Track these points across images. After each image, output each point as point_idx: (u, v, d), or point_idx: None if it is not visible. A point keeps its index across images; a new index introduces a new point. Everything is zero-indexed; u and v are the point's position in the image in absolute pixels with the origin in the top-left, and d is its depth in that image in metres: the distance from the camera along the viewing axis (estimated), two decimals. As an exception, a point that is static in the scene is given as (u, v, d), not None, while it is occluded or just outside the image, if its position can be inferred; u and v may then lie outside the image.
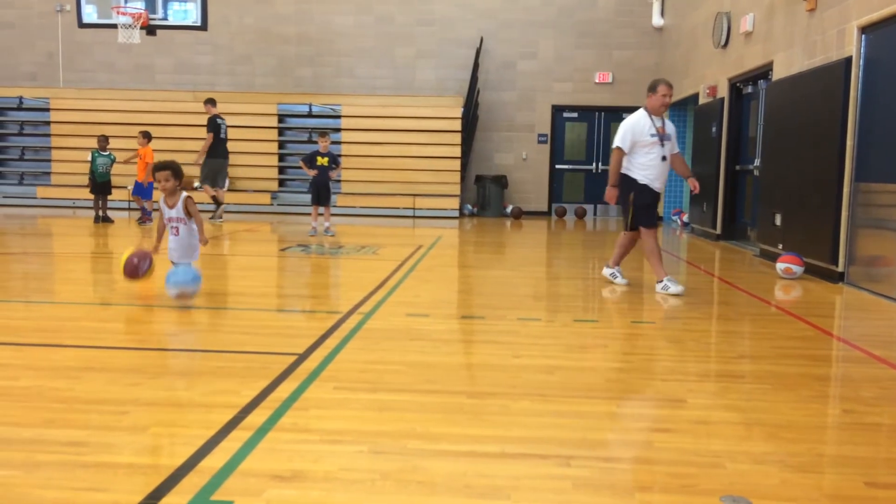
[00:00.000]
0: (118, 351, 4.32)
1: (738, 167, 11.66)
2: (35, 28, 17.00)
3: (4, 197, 15.90)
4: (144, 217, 12.35)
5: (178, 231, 5.80)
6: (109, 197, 12.80)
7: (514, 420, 3.25)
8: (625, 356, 4.43)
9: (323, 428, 3.10)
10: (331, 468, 2.71)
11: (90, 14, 13.35)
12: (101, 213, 12.55)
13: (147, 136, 12.50)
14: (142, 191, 12.38)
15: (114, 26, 12.92)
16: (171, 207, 5.77)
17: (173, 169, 5.71)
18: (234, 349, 4.42)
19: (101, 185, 12.52)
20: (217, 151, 12.51)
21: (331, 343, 4.56)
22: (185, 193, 5.70)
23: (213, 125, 12.51)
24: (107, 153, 12.60)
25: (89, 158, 12.64)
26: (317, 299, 6.62)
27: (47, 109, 16.57)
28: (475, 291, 7.08)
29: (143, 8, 12.88)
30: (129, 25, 12.70)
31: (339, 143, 16.20)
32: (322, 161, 10.91)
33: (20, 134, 16.92)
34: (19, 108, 16.74)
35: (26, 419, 3.12)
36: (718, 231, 11.93)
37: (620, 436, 3.15)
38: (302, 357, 4.20)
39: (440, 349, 4.63)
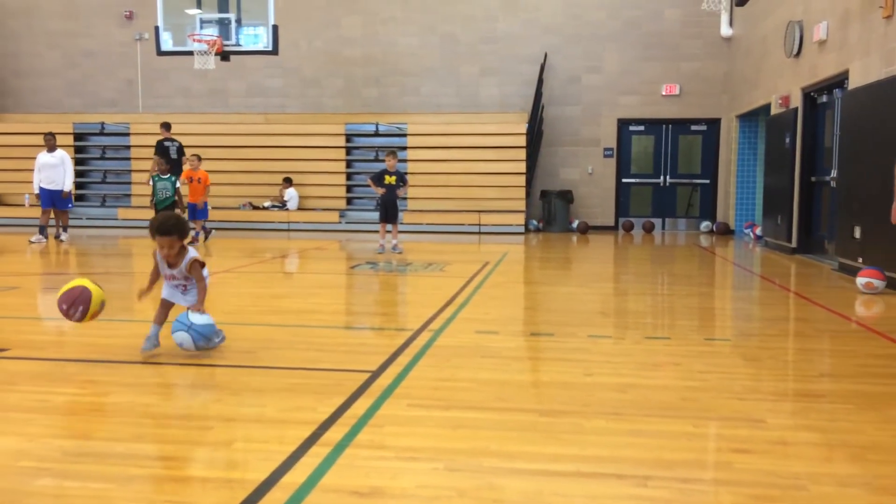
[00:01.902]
0: (200, 368, 4.48)
1: (813, 178, 11.33)
2: (116, 57, 17.80)
3: (88, 219, 16.64)
4: (195, 238, 12.62)
5: (185, 288, 4.85)
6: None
7: (588, 439, 3.24)
8: (700, 374, 4.36)
9: (399, 445, 3.16)
10: (408, 485, 2.76)
11: (167, 42, 13.92)
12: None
13: (199, 159, 12.74)
14: (196, 212, 12.57)
15: (190, 53, 13.43)
16: (171, 267, 4.76)
17: (179, 232, 4.63)
18: (309, 366, 4.53)
19: (161, 210, 12.21)
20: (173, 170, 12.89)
21: (403, 360, 4.62)
22: (190, 255, 4.68)
23: (161, 148, 13.01)
24: (167, 177, 12.09)
25: (150, 182, 12.25)
26: (387, 316, 6.72)
27: (127, 134, 17.30)
28: (543, 308, 7.07)
29: (218, 34, 13.35)
30: (205, 52, 13.19)
31: (405, 160, 16.40)
32: (389, 179, 11.07)
33: (102, 158, 17.70)
34: (101, 134, 17.53)
35: (118, 434, 3.27)
36: (794, 244, 11.60)
37: (698, 456, 3.10)
38: (375, 374, 4.27)
39: (511, 367, 4.64)
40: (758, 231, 14.22)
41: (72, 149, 17.04)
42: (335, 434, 3.27)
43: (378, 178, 11.17)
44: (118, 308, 7.07)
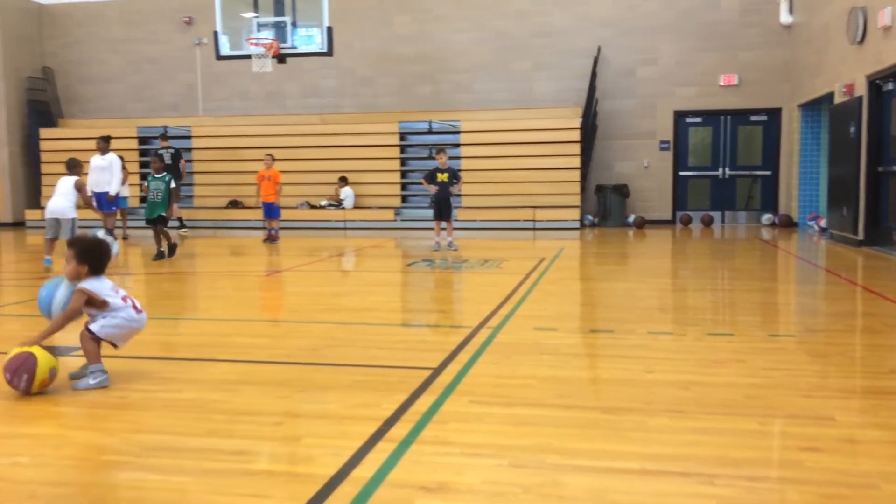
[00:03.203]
0: (266, 365, 4.61)
1: (880, 168, 10.98)
2: (176, 62, 18.29)
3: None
4: (273, 235, 12.90)
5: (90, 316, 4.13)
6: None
7: (651, 436, 3.24)
8: (764, 371, 4.29)
9: (463, 441, 3.21)
10: (474, 481, 2.81)
11: (225, 46, 14.24)
12: (160, 247, 10.66)
13: (273, 159, 13.02)
14: (270, 211, 12.85)
15: (248, 57, 13.72)
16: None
17: (81, 254, 4.07)
18: (371, 363, 4.61)
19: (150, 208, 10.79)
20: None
21: (463, 357, 4.67)
22: (81, 284, 4.05)
23: (157, 155, 13.18)
24: (160, 175, 10.82)
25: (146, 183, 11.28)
26: (445, 314, 6.78)
27: (189, 137, 17.77)
28: (601, 304, 7.04)
29: (274, 37, 13.60)
30: (262, 55, 13.46)
31: (458, 157, 16.47)
32: (442, 177, 11.13)
33: (164, 160, 18.21)
34: (164, 137, 18.03)
35: (193, 429, 3.40)
36: (860, 236, 11.26)
37: (765, 454, 3.07)
38: (437, 371, 4.33)
39: (571, 363, 4.65)
40: (822, 223, 13.85)
41: (136, 152, 17.61)
42: (400, 430, 3.34)
43: (431, 177, 11.24)
44: (185, 307, 7.30)
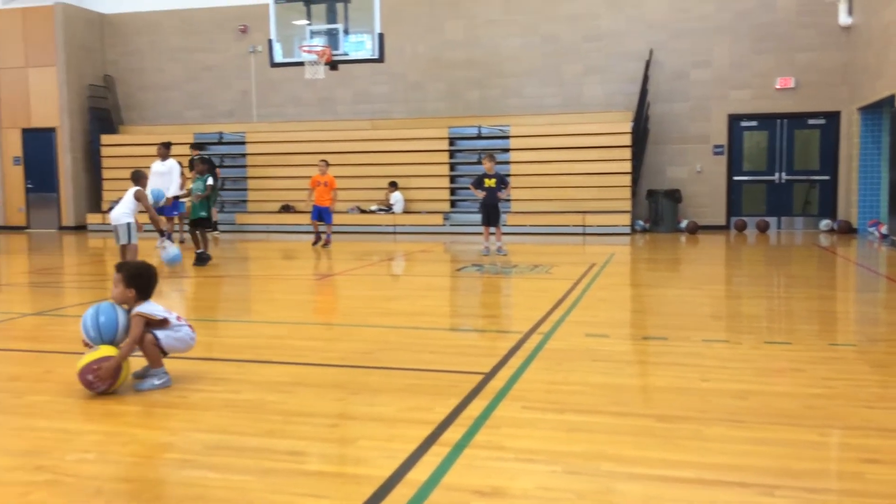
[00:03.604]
0: (320, 367, 4.68)
1: (945, 173, 10.61)
2: (232, 69, 18.68)
3: (207, 223, 17.53)
4: (326, 240, 13.03)
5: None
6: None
7: (708, 446, 3.20)
8: (824, 381, 4.20)
9: (516, 446, 3.22)
10: (528, 486, 2.82)
11: (279, 53, 14.49)
12: (198, 248, 10.54)
13: (327, 164, 13.15)
14: (322, 216, 12.95)
15: (301, 64, 13.95)
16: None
17: (129, 278, 4.19)
18: (423, 367, 4.66)
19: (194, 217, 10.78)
20: None
21: (514, 363, 4.68)
22: (138, 308, 4.18)
23: (190, 164, 13.28)
24: (203, 177, 10.62)
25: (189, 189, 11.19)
26: (495, 319, 6.79)
27: (243, 143, 18.12)
28: (654, 311, 6.96)
29: (326, 44, 13.80)
30: (315, 62, 13.67)
31: (507, 162, 16.45)
32: (489, 182, 11.12)
33: (220, 166, 18.57)
34: (220, 143, 18.44)
35: (251, 429, 3.48)
36: (924, 243, 10.90)
37: (826, 465, 3.01)
38: (488, 376, 4.35)
39: (624, 370, 4.62)
40: (883, 229, 13.44)
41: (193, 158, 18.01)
42: (453, 434, 3.37)
43: (478, 183, 11.24)
44: (241, 310, 7.45)
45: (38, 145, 18.63)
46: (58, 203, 18.63)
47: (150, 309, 4.20)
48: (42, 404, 3.93)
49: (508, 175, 15.93)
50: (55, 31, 18.05)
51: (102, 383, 3.97)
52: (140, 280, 4.20)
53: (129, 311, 4.23)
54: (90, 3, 19.07)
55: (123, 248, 9.88)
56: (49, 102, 18.33)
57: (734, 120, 16.34)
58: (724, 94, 16.17)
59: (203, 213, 10.58)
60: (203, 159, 11.86)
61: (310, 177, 13.60)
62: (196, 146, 14.43)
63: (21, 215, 18.89)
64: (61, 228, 18.48)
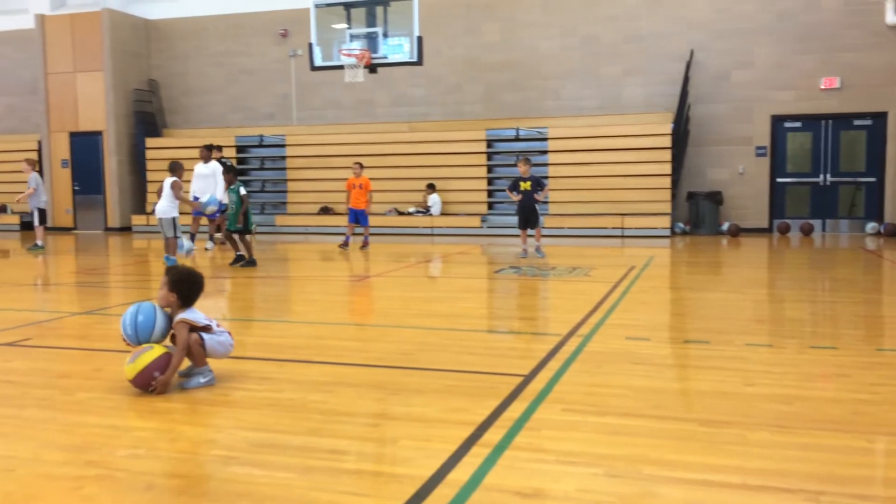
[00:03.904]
0: (360, 368, 4.73)
1: None
2: (272, 73, 18.93)
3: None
4: (364, 241, 13.08)
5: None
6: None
7: (752, 451, 3.16)
8: (871, 387, 4.12)
9: (557, 449, 3.22)
10: (569, 488, 2.82)
11: (318, 57, 14.64)
12: (238, 250, 10.64)
13: (361, 166, 13.16)
14: (358, 218, 12.99)
15: (340, 67, 14.08)
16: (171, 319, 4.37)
17: (174, 282, 4.31)
18: (462, 369, 4.67)
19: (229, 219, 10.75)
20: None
21: (553, 365, 4.67)
22: (181, 315, 4.28)
23: (223, 166, 13.25)
24: (234, 186, 10.55)
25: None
26: (534, 321, 6.78)
27: (283, 146, 18.36)
28: (695, 314, 6.89)
29: (366, 48, 13.91)
30: (354, 66, 13.79)
31: (545, 164, 16.39)
32: (525, 186, 11.09)
33: (261, 168, 18.89)
34: (260, 146, 18.71)
35: (294, 428, 3.54)
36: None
37: (873, 472, 2.96)
38: (528, 378, 4.35)
39: (665, 374, 4.59)
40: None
41: (234, 160, 18.30)
42: (494, 435, 3.38)
43: (514, 186, 11.22)
44: (282, 310, 7.55)
45: (85, 148, 19.10)
46: (104, 205, 19.07)
47: (193, 315, 4.30)
48: (92, 401, 4.04)
49: (546, 177, 15.90)
50: (102, 36, 18.48)
51: (160, 390, 4.08)
52: (182, 286, 4.30)
53: (170, 315, 4.33)
54: (136, 9, 19.50)
55: (167, 241, 10.20)
56: (96, 107, 18.78)
57: (777, 121, 16.07)
58: (766, 95, 15.92)
59: (236, 224, 10.58)
60: (227, 168, 11.82)
61: (348, 179, 13.66)
62: (212, 148, 14.23)
63: (68, 217, 19.38)
64: (107, 230, 18.91)
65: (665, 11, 16.32)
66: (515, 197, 11.20)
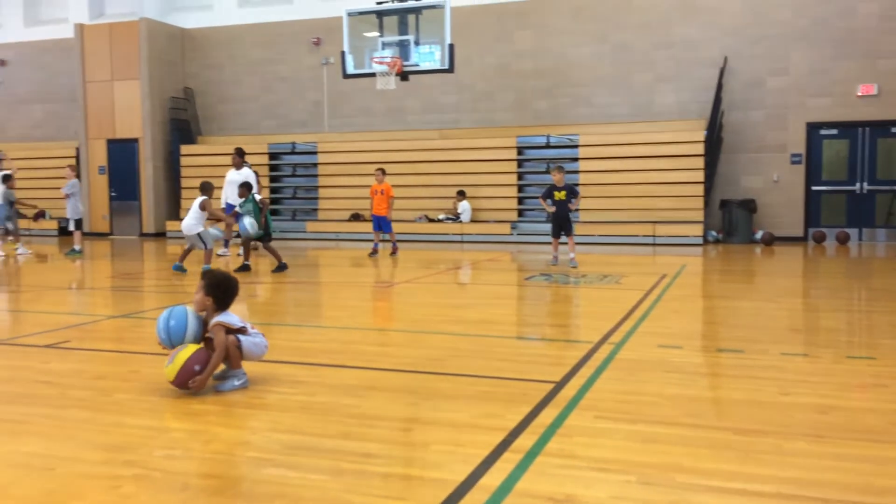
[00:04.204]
0: (392, 373, 4.76)
1: None
2: (305, 81, 19.13)
3: (281, 232, 17.96)
4: (393, 248, 13.11)
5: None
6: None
7: (788, 460, 3.12)
8: (911, 398, 4.05)
9: (589, 455, 3.21)
10: (601, 495, 2.81)
11: (350, 65, 14.75)
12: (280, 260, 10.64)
13: (383, 173, 13.17)
14: (381, 225, 13.02)
15: (372, 75, 14.18)
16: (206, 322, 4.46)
17: (209, 286, 4.40)
18: (494, 375, 4.67)
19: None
20: None
21: (585, 372, 4.66)
22: (218, 318, 4.35)
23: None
24: (249, 199, 10.77)
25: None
26: (565, 328, 6.76)
27: (315, 153, 18.53)
28: (728, 323, 6.81)
29: (398, 56, 13.99)
30: (386, 73, 13.87)
31: (576, 171, 16.34)
32: (559, 195, 11.01)
33: (293, 175, 19.07)
34: (292, 153, 18.90)
35: (327, 431, 3.57)
36: None
37: (914, 485, 2.91)
38: (559, 385, 4.34)
39: (698, 382, 4.55)
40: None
41: (266, 167, 18.52)
42: (525, 441, 3.38)
43: (548, 194, 11.14)
44: (313, 315, 7.62)
45: (121, 155, 19.45)
46: (139, 211, 19.39)
47: (228, 318, 4.37)
48: (129, 402, 4.11)
49: (577, 184, 15.87)
50: (140, 45, 18.82)
51: (197, 387, 4.15)
52: (217, 290, 4.38)
53: (204, 318, 4.41)
54: (172, 19, 19.84)
55: (206, 253, 10.44)
56: (133, 114, 19.12)
57: (813, 128, 15.84)
58: (802, 101, 15.71)
59: (260, 231, 10.71)
60: (244, 183, 11.69)
61: (371, 185, 13.75)
62: (243, 154, 14.34)
63: (104, 222, 19.73)
64: (142, 235, 19.21)
65: (698, 18, 16.20)
66: (550, 208, 11.04)
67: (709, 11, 16.13)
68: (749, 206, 15.59)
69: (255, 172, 13.71)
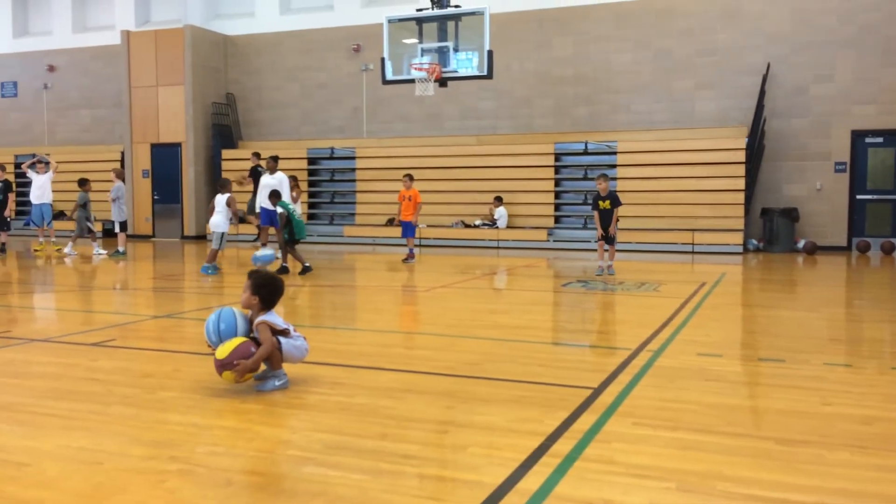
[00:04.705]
0: (429, 376, 4.79)
1: None
2: (344, 87, 19.33)
3: (319, 236, 18.15)
4: (408, 254, 13.07)
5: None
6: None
7: (830, 471, 3.08)
8: (959, 411, 3.96)
9: (628, 462, 3.20)
10: (640, 501, 2.80)
11: (389, 71, 14.86)
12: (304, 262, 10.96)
13: (411, 178, 13.22)
14: (407, 230, 13.06)
15: (411, 81, 14.27)
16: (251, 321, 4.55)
17: (257, 286, 4.50)
18: (531, 380, 4.68)
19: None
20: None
21: (623, 379, 4.64)
22: (263, 317, 4.45)
23: (254, 172, 14.42)
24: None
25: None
26: (603, 335, 6.73)
27: (353, 158, 18.69)
28: (770, 332, 6.71)
29: (436, 62, 14.06)
30: (425, 79, 13.95)
31: (614, 178, 16.25)
32: (604, 205, 10.94)
33: (331, 180, 19.26)
34: (331, 158, 19.09)
35: (366, 431, 3.61)
36: None
37: (962, 499, 2.85)
38: (597, 391, 4.33)
39: (739, 391, 4.50)
40: None
41: (305, 172, 18.73)
42: (563, 446, 3.38)
43: (594, 204, 11.06)
44: (351, 318, 7.69)
45: (164, 159, 19.84)
46: (181, 214, 19.75)
47: (273, 318, 4.46)
48: (173, 400, 4.20)
49: (615, 191, 15.76)
50: (184, 52, 19.20)
51: (241, 372, 4.26)
52: (264, 290, 4.48)
53: (249, 317, 4.50)
54: (216, 26, 20.21)
55: (212, 251, 10.91)
56: (176, 119, 19.50)
57: (858, 136, 15.54)
58: (847, 109, 15.43)
59: (286, 235, 11.01)
60: (273, 192, 11.78)
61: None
62: (255, 154, 15.01)
63: (147, 225, 20.13)
64: (183, 238, 19.56)
65: (742, 25, 16.01)
66: (600, 232, 10.86)
67: (752, 18, 15.94)
68: (791, 214, 15.34)
69: (294, 177, 13.87)
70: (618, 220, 10.98)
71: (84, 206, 14.12)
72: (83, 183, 14.24)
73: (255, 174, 14.56)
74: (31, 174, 15.21)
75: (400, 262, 12.83)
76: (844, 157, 15.56)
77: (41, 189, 14.95)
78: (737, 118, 16.02)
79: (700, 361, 5.17)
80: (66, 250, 14.25)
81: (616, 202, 10.96)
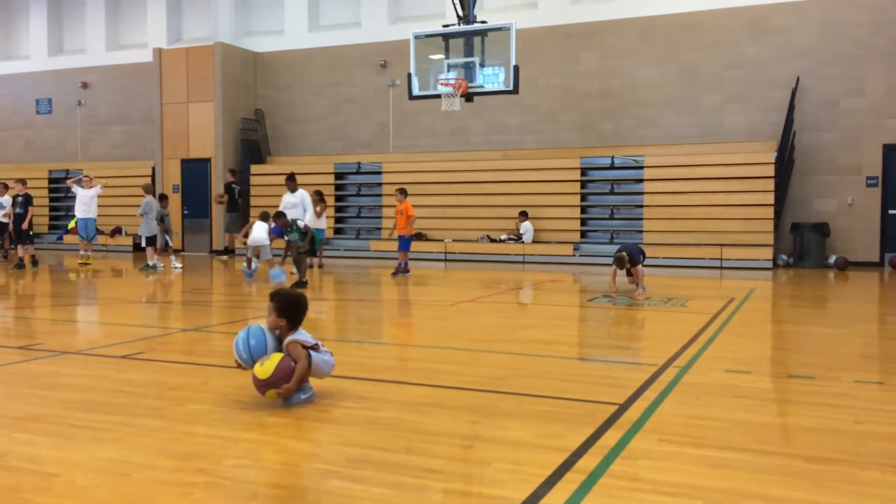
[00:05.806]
0: (455, 391, 4.78)
1: None
2: (371, 102, 19.48)
3: (345, 250, 18.25)
4: (398, 268, 13.04)
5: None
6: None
7: (862, 490, 3.03)
8: None
9: (654, 479, 3.17)
10: (667, 519, 2.77)
11: (416, 87, 14.97)
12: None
13: (404, 193, 13.24)
14: (402, 244, 13.07)
15: (438, 97, 14.36)
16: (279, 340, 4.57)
17: (281, 308, 4.49)
18: (556, 395, 4.66)
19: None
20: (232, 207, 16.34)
21: (650, 395, 4.60)
22: (293, 336, 4.48)
23: (228, 189, 15.37)
24: (293, 228, 11.38)
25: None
26: (630, 350, 6.68)
27: (380, 172, 18.80)
28: (799, 349, 6.62)
29: (463, 77, 14.14)
30: (451, 95, 14.04)
31: (641, 193, 16.17)
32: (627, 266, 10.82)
33: (357, 195, 19.38)
34: (358, 172, 19.22)
35: (391, 446, 3.61)
36: None
37: None
38: (623, 407, 4.30)
39: (768, 409, 4.44)
40: None
41: (332, 187, 18.87)
42: (588, 462, 3.36)
43: (616, 263, 10.94)
44: (376, 332, 7.71)
45: (194, 174, 20.11)
46: (210, 228, 19.98)
47: (303, 337, 4.50)
48: (200, 412, 4.24)
49: (641, 206, 15.74)
50: (214, 68, 19.50)
51: (285, 395, 4.29)
52: (289, 312, 4.49)
53: (278, 336, 4.53)
54: (245, 43, 20.51)
55: (269, 261, 11.36)
56: (206, 135, 19.78)
57: (890, 150, 15.31)
58: (878, 123, 15.22)
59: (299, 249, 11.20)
60: (279, 213, 11.88)
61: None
62: (231, 172, 15.43)
63: (177, 239, 20.37)
64: (212, 252, 19.77)
65: (771, 38, 15.89)
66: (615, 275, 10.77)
67: (781, 32, 15.82)
68: (822, 229, 15.13)
69: (319, 191, 13.98)
70: (643, 275, 10.39)
71: (162, 220, 14.47)
72: (162, 198, 14.73)
73: (230, 191, 14.96)
74: (76, 189, 15.52)
75: (424, 277, 12.85)
76: (876, 171, 15.34)
77: (87, 204, 15.25)
78: (766, 132, 15.87)
79: (728, 378, 5.11)
80: (150, 264, 14.33)
81: (636, 262, 10.21)
